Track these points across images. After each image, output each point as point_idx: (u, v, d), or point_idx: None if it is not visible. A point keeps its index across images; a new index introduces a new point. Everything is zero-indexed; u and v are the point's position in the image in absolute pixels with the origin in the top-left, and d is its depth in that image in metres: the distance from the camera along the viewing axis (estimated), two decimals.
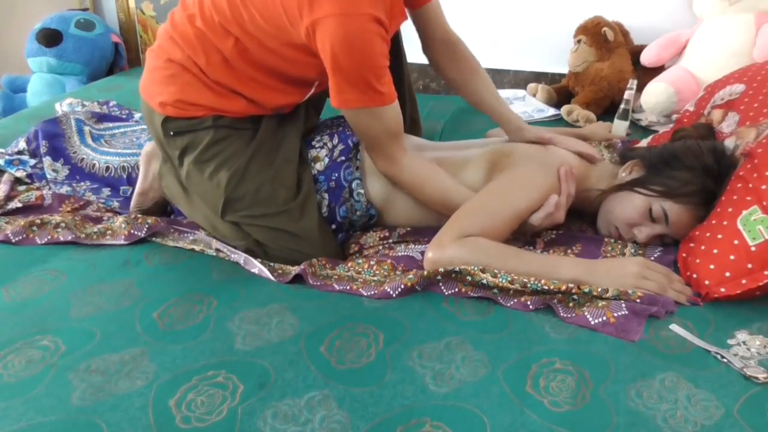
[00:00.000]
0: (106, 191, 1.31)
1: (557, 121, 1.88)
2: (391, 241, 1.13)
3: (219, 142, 1.08)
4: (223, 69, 1.05)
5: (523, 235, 1.09)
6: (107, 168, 1.33)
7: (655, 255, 1.04)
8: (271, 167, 1.09)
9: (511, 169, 1.09)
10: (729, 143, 1.12)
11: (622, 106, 1.61)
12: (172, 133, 1.09)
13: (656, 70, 1.90)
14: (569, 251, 1.06)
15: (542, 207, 1.05)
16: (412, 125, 1.44)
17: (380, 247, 1.11)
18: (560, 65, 2.13)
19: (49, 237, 1.10)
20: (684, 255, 1.00)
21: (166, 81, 1.07)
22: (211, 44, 1.03)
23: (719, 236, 0.95)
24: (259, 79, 1.06)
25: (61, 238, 1.09)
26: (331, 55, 0.92)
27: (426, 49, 1.28)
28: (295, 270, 1.00)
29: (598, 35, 1.93)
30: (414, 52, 1.35)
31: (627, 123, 1.62)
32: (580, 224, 1.20)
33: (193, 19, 1.04)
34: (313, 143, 1.18)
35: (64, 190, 1.29)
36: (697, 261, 0.96)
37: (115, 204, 1.27)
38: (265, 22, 0.97)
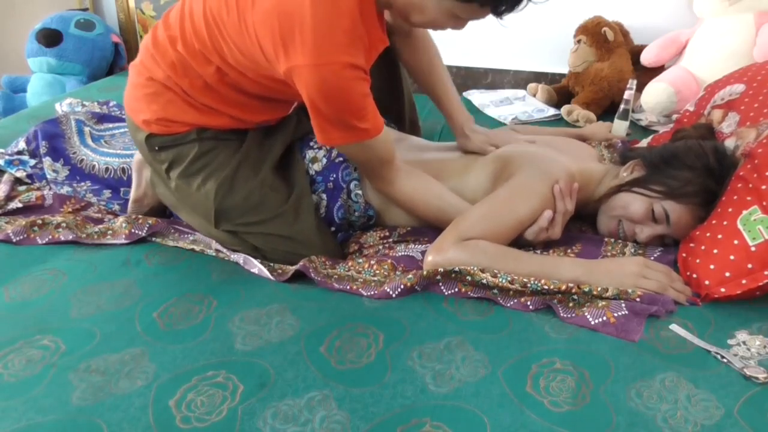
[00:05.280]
0: (107, 193, 1.31)
1: (557, 121, 1.88)
2: (391, 240, 1.13)
3: (205, 154, 1.07)
4: (206, 92, 1.04)
5: (520, 246, 1.08)
6: (107, 169, 1.33)
7: (655, 255, 1.04)
8: (258, 174, 1.08)
9: (514, 177, 1.09)
10: (729, 143, 1.12)
11: (622, 106, 1.61)
12: (157, 148, 1.09)
13: (656, 70, 1.90)
14: (569, 251, 1.06)
15: (536, 222, 1.04)
16: (411, 127, 1.44)
17: (380, 247, 1.11)
18: (560, 65, 2.13)
19: (50, 237, 1.10)
20: (684, 255, 1.00)
21: (149, 99, 1.06)
22: (193, 70, 1.02)
23: (719, 236, 0.95)
24: (242, 100, 1.06)
25: (62, 238, 1.09)
26: (309, 101, 0.93)
27: (390, 35, 1.28)
28: (295, 266, 1.00)
29: (598, 35, 1.93)
30: None
31: (627, 123, 1.62)
32: (580, 224, 1.20)
33: (174, 42, 1.02)
34: (311, 143, 1.18)
35: (65, 190, 1.29)
36: (697, 261, 0.96)
37: (116, 206, 1.27)
38: (244, 57, 0.97)
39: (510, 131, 1.41)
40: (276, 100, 1.10)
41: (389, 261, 1.01)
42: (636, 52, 1.99)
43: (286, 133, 1.16)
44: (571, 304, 0.89)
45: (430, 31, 1.27)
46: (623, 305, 0.87)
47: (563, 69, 2.10)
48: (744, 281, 0.89)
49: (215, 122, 1.07)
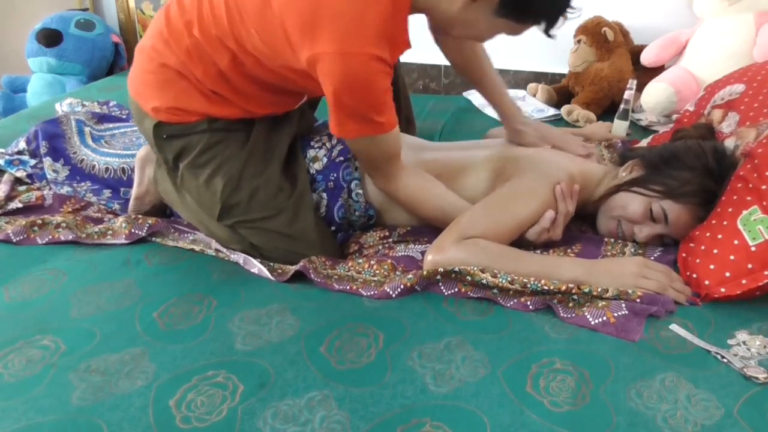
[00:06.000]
0: (107, 192, 1.31)
1: (557, 121, 1.88)
2: (391, 240, 1.13)
3: (213, 146, 1.07)
4: (219, 80, 1.03)
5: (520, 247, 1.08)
6: (107, 169, 1.33)
7: (655, 255, 1.04)
8: (265, 171, 1.08)
9: (515, 178, 1.09)
10: (729, 143, 1.12)
11: (622, 106, 1.61)
12: (165, 136, 1.08)
13: (656, 70, 1.90)
14: (569, 251, 1.06)
15: (538, 222, 1.04)
16: (407, 124, 1.44)
17: (380, 247, 1.11)
18: (560, 65, 2.13)
19: (50, 237, 1.10)
20: (684, 255, 1.00)
21: (160, 86, 1.05)
22: (208, 57, 1.01)
23: (719, 236, 0.95)
24: (254, 92, 1.05)
25: (62, 238, 1.09)
26: (333, 92, 0.92)
27: (432, 31, 1.24)
28: (295, 267, 1.00)
29: (598, 35, 1.93)
30: (415, 51, 1.34)
31: (627, 123, 1.62)
32: (580, 224, 1.20)
33: (191, 26, 1.00)
34: (312, 143, 1.18)
35: (65, 190, 1.29)
36: (697, 261, 0.96)
37: (116, 206, 1.27)
38: (264, 44, 0.96)
39: (567, 133, 1.38)
40: (288, 92, 1.09)
41: (389, 261, 1.01)
42: (636, 52, 1.98)
43: (291, 126, 1.16)
44: (571, 304, 0.89)
45: None
46: (623, 305, 0.87)
47: (563, 69, 2.10)
48: (744, 281, 0.89)
49: (225, 112, 1.06)
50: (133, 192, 1.23)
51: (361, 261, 1.04)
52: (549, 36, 0.96)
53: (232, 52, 0.99)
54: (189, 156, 1.07)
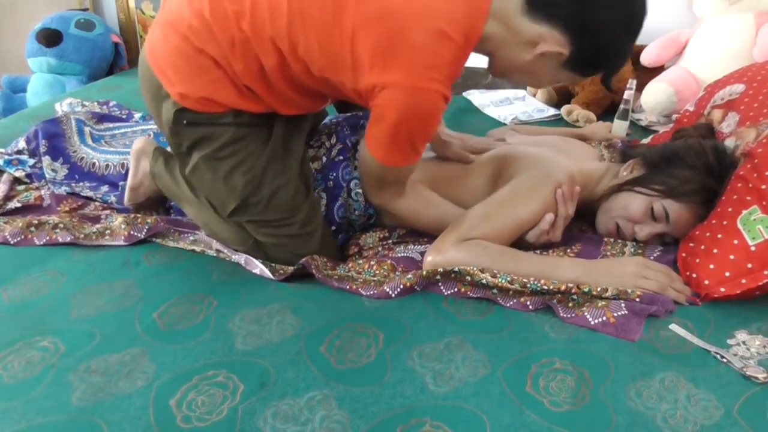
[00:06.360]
0: (104, 188, 1.31)
1: (557, 121, 1.88)
2: (390, 241, 1.13)
3: (237, 141, 1.03)
4: (258, 78, 0.99)
5: (519, 248, 1.08)
6: (107, 166, 1.32)
7: (655, 255, 1.04)
8: (285, 172, 1.06)
9: (515, 178, 1.09)
10: (729, 143, 1.12)
11: (622, 106, 1.61)
12: (185, 122, 1.03)
13: (656, 70, 1.90)
14: (569, 251, 1.06)
15: (537, 225, 1.04)
16: None
17: (380, 248, 1.11)
18: None
19: (48, 238, 1.10)
20: (684, 255, 1.01)
21: (193, 73, 0.99)
22: (253, 54, 0.96)
23: (719, 236, 0.95)
24: (288, 93, 1.02)
25: (60, 239, 1.09)
26: (395, 122, 0.91)
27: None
28: (297, 265, 1.00)
29: None
30: None
31: (627, 123, 1.62)
32: (579, 224, 1.20)
33: (240, 18, 0.93)
34: (311, 143, 1.18)
35: (63, 190, 1.29)
36: (697, 261, 0.96)
37: (113, 199, 1.27)
38: (321, 54, 0.92)
39: (487, 137, 1.40)
40: (320, 96, 1.08)
41: (389, 262, 1.01)
42: (636, 52, 1.98)
43: (307, 124, 1.15)
44: (570, 304, 0.89)
45: None
46: (623, 305, 0.87)
47: None
48: (744, 281, 0.89)
49: (251, 107, 1.03)
50: (128, 182, 1.21)
51: (361, 262, 1.04)
52: (608, 88, 1.00)
53: (281, 54, 0.95)
54: (209, 147, 1.03)
